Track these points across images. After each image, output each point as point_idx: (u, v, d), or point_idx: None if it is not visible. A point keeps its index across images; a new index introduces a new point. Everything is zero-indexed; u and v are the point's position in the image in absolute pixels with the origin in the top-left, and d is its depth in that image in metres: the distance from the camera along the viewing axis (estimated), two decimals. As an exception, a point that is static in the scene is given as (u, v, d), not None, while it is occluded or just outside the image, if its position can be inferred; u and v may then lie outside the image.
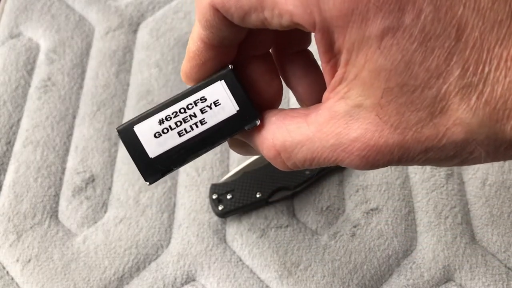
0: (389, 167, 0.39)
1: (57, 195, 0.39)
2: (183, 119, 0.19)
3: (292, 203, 0.38)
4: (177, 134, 0.19)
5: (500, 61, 0.15)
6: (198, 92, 0.19)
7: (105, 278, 0.35)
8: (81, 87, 0.44)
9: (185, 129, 0.19)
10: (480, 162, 0.17)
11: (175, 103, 0.19)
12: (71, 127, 0.42)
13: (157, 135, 0.19)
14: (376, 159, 0.17)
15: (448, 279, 0.35)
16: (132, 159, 0.19)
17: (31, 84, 0.44)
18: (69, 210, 0.38)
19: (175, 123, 0.19)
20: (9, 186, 0.39)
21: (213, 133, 0.19)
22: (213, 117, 0.19)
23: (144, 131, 0.19)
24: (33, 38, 0.46)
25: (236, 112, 0.19)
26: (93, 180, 0.39)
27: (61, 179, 0.39)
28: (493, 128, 0.15)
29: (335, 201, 0.38)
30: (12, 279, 0.35)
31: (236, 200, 0.36)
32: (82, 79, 0.44)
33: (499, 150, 0.16)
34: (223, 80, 0.19)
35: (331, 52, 0.17)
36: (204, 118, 0.19)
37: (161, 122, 0.19)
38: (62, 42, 0.45)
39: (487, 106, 0.15)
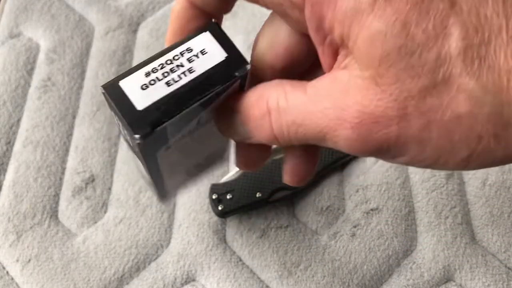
0: (389, 166, 0.39)
1: (57, 195, 0.39)
2: (170, 69, 0.19)
3: (292, 203, 0.38)
4: (165, 84, 0.18)
5: (501, 29, 0.14)
6: (183, 44, 0.19)
7: (105, 278, 0.35)
8: (81, 87, 0.44)
9: (173, 79, 0.18)
10: (490, 156, 0.15)
11: (160, 56, 0.19)
12: (71, 127, 0.42)
13: (144, 87, 0.18)
14: (371, 131, 0.16)
15: (448, 279, 0.35)
16: (120, 114, 0.18)
17: (31, 84, 0.44)
18: (69, 210, 0.38)
19: (162, 74, 0.19)
20: (9, 186, 0.39)
21: (203, 81, 0.19)
22: (202, 65, 0.19)
23: (130, 85, 0.18)
24: (33, 38, 0.46)
25: (225, 58, 0.19)
26: (93, 180, 0.39)
27: (61, 179, 0.39)
28: (499, 98, 0.14)
29: (335, 201, 0.38)
30: (12, 279, 0.35)
31: (236, 200, 0.36)
32: (82, 79, 0.44)
33: (508, 131, 0.15)
34: (207, 31, 0.19)
35: (324, 28, 0.16)
36: (192, 67, 0.19)
37: (147, 74, 0.19)
38: (62, 42, 0.45)
39: (490, 71, 0.14)
